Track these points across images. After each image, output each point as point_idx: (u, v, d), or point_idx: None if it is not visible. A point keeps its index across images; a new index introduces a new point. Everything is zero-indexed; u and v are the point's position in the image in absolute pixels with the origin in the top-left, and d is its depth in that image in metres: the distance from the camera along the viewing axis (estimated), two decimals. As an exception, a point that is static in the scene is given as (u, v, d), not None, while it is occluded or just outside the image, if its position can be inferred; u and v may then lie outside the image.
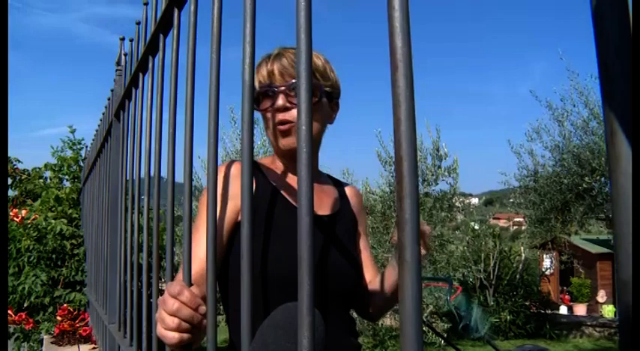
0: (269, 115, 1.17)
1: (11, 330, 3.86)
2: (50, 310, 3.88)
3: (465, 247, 12.36)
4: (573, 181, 8.74)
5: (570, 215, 9.50)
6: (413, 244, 0.36)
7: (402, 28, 0.37)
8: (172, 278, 0.91)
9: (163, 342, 0.82)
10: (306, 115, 0.50)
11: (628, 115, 0.27)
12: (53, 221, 4.17)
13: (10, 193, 5.52)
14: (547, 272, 16.09)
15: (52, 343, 3.53)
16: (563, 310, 14.82)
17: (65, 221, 4.31)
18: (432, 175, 8.96)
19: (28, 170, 5.68)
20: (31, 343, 3.90)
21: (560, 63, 8.93)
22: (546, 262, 16.39)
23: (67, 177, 5.40)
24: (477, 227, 13.85)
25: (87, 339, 3.44)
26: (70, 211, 4.64)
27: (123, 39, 2.08)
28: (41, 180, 5.60)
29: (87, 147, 4.50)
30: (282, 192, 1.16)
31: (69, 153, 5.43)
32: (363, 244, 1.34)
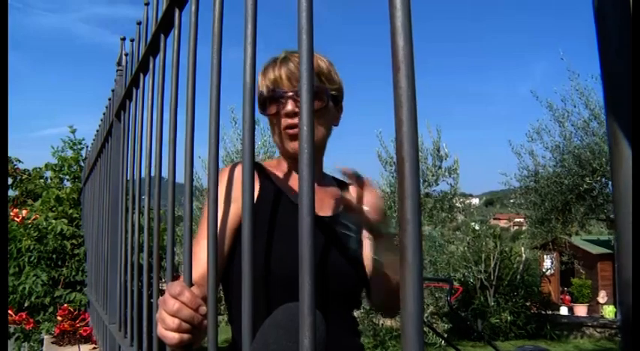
0: (276, 119, 1.17)
1: (12, 330, 3.87)
2: (51, 310, 3.88)
3: (466, 248, 12.35)
4: (574, 182, 8.74)
5: (571, 216, 9.50)
6: (414, 245, 0.36)
7: (403, 28, 0.37)
8: (173, 278, 0.91)
9: (164, 342, 0.82)
10: (307, 116, 0.50)
11: (630, 116, 0.27)
12: (54, 221, 4.17)
13: (11, 193, 5.52)
14: (548, 273, 16.09)
15: (52, 343, 3.54)
16: (563, 310, 14.81)
17: (66, 221, 4.31)
18: (433, 175, 8.96)
19: (28, 170, 5.68)
20: (32, 343, 3.90)
21: (560, 63, 8.94)
22: (547, 263, 16.39)
23: (67, 177, 5.40)
24: (477, 228, 13.83)
25: (87, 339, 3.44)
26: (71, 211, 4.64)
27: (124, 39, 2.08)
28: (42, 180, 5.60)
29: (87, 147, 4.50)
30: (287, 193, 1.17)
31: (69, 153, 5.43)
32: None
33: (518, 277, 12.65)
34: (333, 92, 1.21)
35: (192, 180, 0.86)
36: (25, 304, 3.87)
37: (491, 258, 12.22)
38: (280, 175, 1.22)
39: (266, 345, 0.73)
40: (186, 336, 0.80)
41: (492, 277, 12.10)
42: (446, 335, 8.51)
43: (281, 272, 1.05)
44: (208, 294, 0.74)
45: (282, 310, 0.77)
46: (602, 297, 15.79)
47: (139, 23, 1.51)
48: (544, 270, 15.67)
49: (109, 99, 2.34)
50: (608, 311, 14.47)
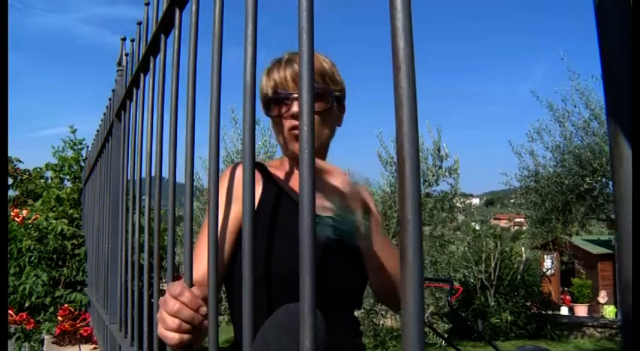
0: (279, 120, 1.18)
1: (12, 330, 3.87)
2: (51, 310, 3.88)
3: (466, 248, 12.36)
4: (574, 182, 8.74)
5: (571, 216, 9.50)
6: (415, 245, 0.36)
7: (404, 29, 0.37)
8: (174, 279, 0.91)
9: (164, 342, 0.82)
10: (308, 117, 0.50)
11: (631, 116, 0.27)
12: (54, 221, 4.17)
13: (11, 193, 5.52)
14: (548, 273, 16.09)
15: (53, 343, 3.54)
16: (564, 310, 14.81)
17: (66, 221, 4.31)
18: (433, 175, 8.96)
19: (29, 170, 5.68)
20: (32, 343, 3.90)
21: (561, 63, 8.95)
22: (547, 263, 16.39)
23: (68, 177, 5.40)
24: (477, 228, 13.84)
25: (88, 339, 3.44)
26: (71, 211, 4.64)
27: (124, 39, 2.08)
28: (42, 180, 5.60)
29: (88, 147, 4.50)
30: (289, 194, 1.17)
31: (70, 153, 5.43)
32: None
33: (519, 277, 12.65)
34: (337, 93, 1.22)
35: (192, 180, 0.86)
36: (26, 304, 3.87)
37: (492, 258, 12.22)
38: (283, 175, 1.23)
39: (267, 345, 0.73)
40: (186, 336, 0.80)
41: (493, 277, 12.10)
42: (446, 335, 8.51)
43: (283, 273, 1.05)
44: (209, 294, 0.74)
45: (283, 310, 0.77)
46: (602, 297, 15.79)
47: (140, 23, 1.51)
48: (544, 270, 15.67)
49: (110, 99, 2.34)
50: (609, 311, 14.47)
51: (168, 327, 0.79)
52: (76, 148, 5.43)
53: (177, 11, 0.97)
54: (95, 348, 3.29)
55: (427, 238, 9.30)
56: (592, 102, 8.59)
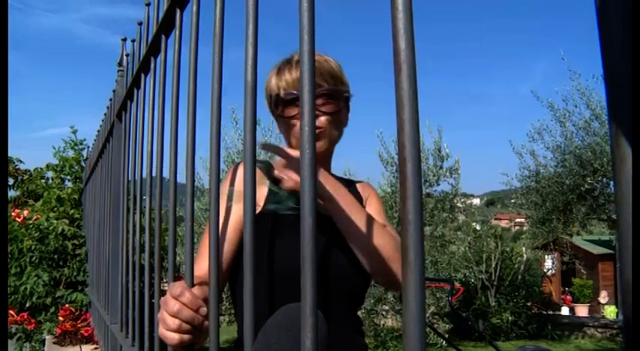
0: (293, 120, 1.18)
1: (13, 330, 3.87)
2: (52, 310, 3.88)
3: (467, 248, 12.35)
4: (575, 182, 8.74)
5: (572, 216, 9.50)
6: (416, 245, 0.36)
7: (405, 30, 0.37)
8: (174, 279, 0.91)
9: (165, 342, 0.82)
10: (309, 117, 0.50)
11: (632, 116, 0.27)
12: (55, 221, 4.17)
13: (12, 193, 5.52)
14: (549, 273, 16.08)
15: (54, 343, 3.54)
16: (564, 310, 14.81)
17: (67, 221, 4.31)
18: (434, 175, 8.96)
19: (29, 170, 5.69)
20: (33, 344, 3.91)
21: (561, 63, 8.95)
22: (548, 263, 16.38)
23: (68, 177, 5.40)
24: (478, 228, 13.83)
25: (89, 339, 3.44)
26: (72, 211, 4.64)
27: (125, 39, 2.08)
28: (43, 180, 5.60)
29: (89, 147, 4.50)
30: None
31: (71, 153, 5.43)
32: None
33: (520, 277, 12.64)
34: (346, 94, 1.22)
35: (193, 180, 0.87)
36: (27, 305, 3.87)
37: (493, 258, 12.22)
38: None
39: (268, 345, 0.73)
40: (186, 336, 0.80)
41: (493, 278, 12.10)
42: (447, 335, 8.51)
43: (288, 272, 1.05)
44: (210, 295, 0.74)
45: (284, 310, 0.77)
46: (603, 297, 15.79)
47: (140, 23, 1.51)
48: (545, 270, 15.66)
49: (110, 99, 2.34)
50: (610, 311, 14.46)
51: (168, 327, 0.79)
52: (76, 148, 5.42)
53: (178, 11, 0.97)
54: (96, 348, 3.29)
55: (428, 238, 9.30)
56: (593, 102, 8.59)
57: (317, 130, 1.18)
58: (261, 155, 8.73)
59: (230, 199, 1.09)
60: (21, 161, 5.70)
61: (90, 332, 3.41)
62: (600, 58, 0.29)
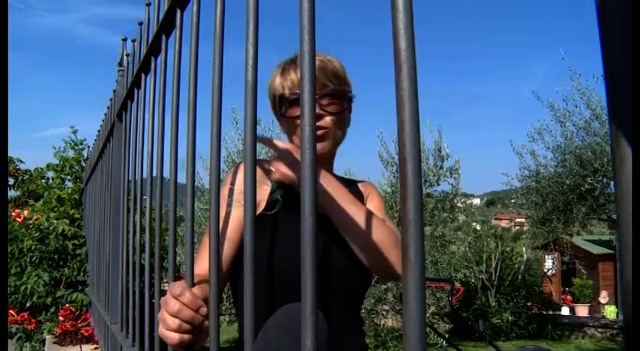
0: (297, 121, 1.18)
1: (14, 330, 3.87)
2: (52, 310, 3.88)
3: (467, 248, 12.35)
4: (575, 182, 8.73)
5: (572, 216, 9.49)
6: (417, 245, 0.36)
7: (406, 30, 0.37)
8: (175, 279, 0.91)
9: (165, 342, 0.82)
10: (309, 117, 0.50)
11: (632, 116, 0.27)
12: (55, 221, 4.17)
13: (13, 193, 5.52)
14: (549, 273, 16.08)
15: (54, 343, 3.54)
16: (565, 311, 14.80)
17: (67, 221, 4.31)
18: (434, 175, 8.95)
19: (30, 170, 5.69)
20: (34, 343, 3.91)
21: (562, 63, 8.95)
22: (548, 263, 16.38)
23: (69, 177, 5.40)
24: (478, 228, 13.83)
25: (89, 339, 3.44)
26: (72, 211, 4.64)
27: (125, 39, 2.08)
28: (43, 180, 5.60)
29: (89, 147, 4.50)
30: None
31: (71, 153, 5.43)
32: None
33: (520, 277, 12.64)
34: (349, 94, 1.22)
35: (193, 180, 0.87)
36: (27, 304, 3.88)
37: (493, 258, 12.22)
38: None
39: (268, 345, 0.73)
40: (186, 336, 0.80)
41: (494, 278, 12.10)
42: (447, 335, 8.51)
43: (290, 271, 1.05)
44: (210, 294, 0.74)
45: (284, 310, 0.77)
46: (603, 297, 15.79)
47: (141, 23, 1.51)
48: (545, 270, 15.66)
49: (111, 99, 2.34)
50: (610, 311, 14.46)
51: (168, 327, 0.79)
52: (77, 148, 5.42)
53: (179, 11, 0.97)
54: (96, 348, 3.29)
55: (428, 238, 9.29)
56: (593, 102, 8.58)
57: (322, 131, 1.17)
58: (262, 155, 8.73)
59: (230, 195, 1.09)
60: (21, 161, 5.70)
61: (90, 332, 3.41)
62: (600, 58, 0.29)
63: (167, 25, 1.09)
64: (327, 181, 1.07)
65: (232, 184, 1.10)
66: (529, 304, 12.29)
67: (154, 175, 1.16)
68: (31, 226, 4.14)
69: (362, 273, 1.19)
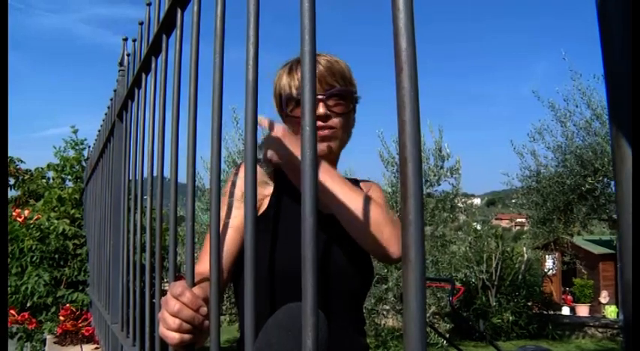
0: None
1: (14, 330, 3.87)
2: (53, 310, 3.89)
3: (468, 248, 12.34)
4: (576, 182, 8.73)
5: (573, 216, 9.49)
6: (417, 245, 0.36)
7: (406, 29, 0.37)
8: (175, 278, 0.91)
9: (166, 342, 0.82)
10: (310, 117, 0.50)
11: (632, 116, 0.27)
12: (56, 221, 4.17)
13: (13, 193, 5.52)
14: (549, 273, 16.07)
15: (54, 342, 3.54)
16: (565, 310, 14.79)
17: (68, 221, 4.31)
18: (435, 175, 8.94)
19: (30, 170, 5.69)
20: (34, 343, 3.91)
21: (562, 63, 8.94)
22: (549, 263, 16.37)
23: (69, 177, 5.40)
24: (479, 228, 13.82)
25: (89, 339, 3.44)
26: (73, 211, 4.64)
27: (126, 39, 2.08)
28: (44, 180, 5.60)
29: (89, 147, 4.50)
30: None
31: (71, 153, 5.43)
32: None
33: (520, 277, 12.64)
34: (356, 95, 1.22)
35: (194, 180, 0.87)
36: (28, 304, 3.88)
37: (493, 258, 12.21)
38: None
39: (269, 345, 0.73)
40: (187, 336, 0.80)
41: (494, 277, 12.09)
42: (448, 335, 8.50)
43: (287, 272, 1.05)
44: (211, 295, 0.74)
45: (285, 310, 0.77)
46: (604, 297, 15.78)
47: (141, 23, 1.52)
48: (546, 270, 15.65)
49: (111, 99, 2.34)
50: (610, 311, 14.45)
51: (169, 327, 0.80)
52: (77, 148, 5.43)
53: (179, 11, 0.97)
54: (97, 348, 3.29)
55: (429, 238, 9.29)
56: (594, 102, 8.57)
57: (330, 131, 1.17)
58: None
59: (232, 195, 1.09)
60: (22, 161, 5.70)
61: (91, 332, 3.41)
62: (601, 58, 0.29)
63: (168, 25, 1.09)
64: (320, 164, 1.06)
65: (234, 184, 1.10)
66: (529, 303, 12.29)
67: (155, 174, 1.16)
68: (32, 225, 4.14)
69: (363, 273, 1.19)
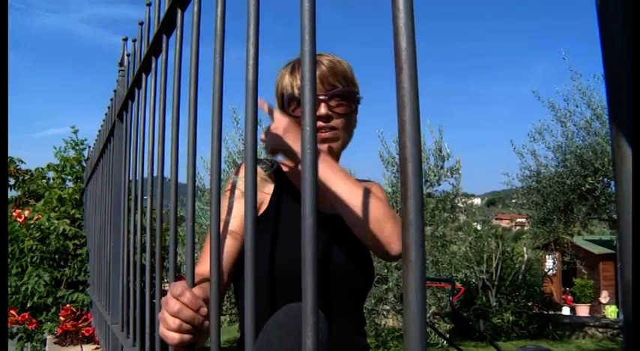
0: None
1: (14, 330, 3.87)
2: (53, 310, 3.88)
3: (468, 248, 12.33)
4: (576, 182, 8.73)
5: (573, 216, 9.49)
6: (417, 245, 0.36)
7: (406, 29, 0.37)
8: (176, 279, 0.91)
9: (166, 343, 0.82)
10: (310, 117, 0.50)
11: (632, 116, 0.27)
12: (56, 221, 4.17)
13: (13, 193, 5.52)
14: (550, 273, 16.06)
15: (55, 343, 3.54)
16: (565, 310, 14.79)
17: (68, 221, 4.31)
18: (435, 175, 8.94)
19: (30, 171, 5.69)
20: (34, 343, 3.91)
21: (562, 63, 8.94)
22: (549, 263, 16.37)
23: (69, 177, 5.40)
24: (479, 228, 13.82)
25: (90, 339, 3.44)
26: (73, 211, 4.64)
27: (126, 39, 2.08)
28: (44, 180, 5.60)
29: (90, 147, 4.50)
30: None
31: (72, 153, 5.43)
32: None
33: (520, 277, 12.64)
34: (357, 96, 1.22)
35: (194, 180, 0.87)
36: (28, 305, 3.88)
37: (494, 258, 12.21)
38: (299, 173, 1.22)
39: (269, 345, 0.73)
40: (187, 336, 0.80)
41: (494, 278, 12.09)
42: (448, 335, 8.50)
43: (287, 272, 1.05)
44: (211, 294, 0.74)
45: (285, 310, 0.77)
46: (604, 297, 15.78)
47: (141, 23, 1.52)
48: (546, 270, 15.65)
49: (111, 99, 2.34)
50: (610, 311, 14.45)
51: (169, 327, 0.80)
52: (77, 148, 5.43)
53: (179, 11, 0.97)
54: (97, 348, 3.29)
55: (429, 238, 9.29)
56: (594, 102, 8.57)
57: (331, 132, 1.17)
58: (262, 155, 8.71)
59: (232, 194, 1.09)
60: (22, 161, 5.70)
61: (91, 332, 3.41)
62: (601, 59, 0.29)
63: (168, 25, 1.09)
64: (322, 158, 1.05)
65: (234, 184, 1.10)
66: (530, 304, 12.28)
67: (155, 175, 1.16)
68: (32, 226, 4.14)
69: (363, 273, 1.19)
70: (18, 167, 5.62)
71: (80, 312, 3.67)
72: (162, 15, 1.11)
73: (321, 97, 1.14)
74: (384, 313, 9.18)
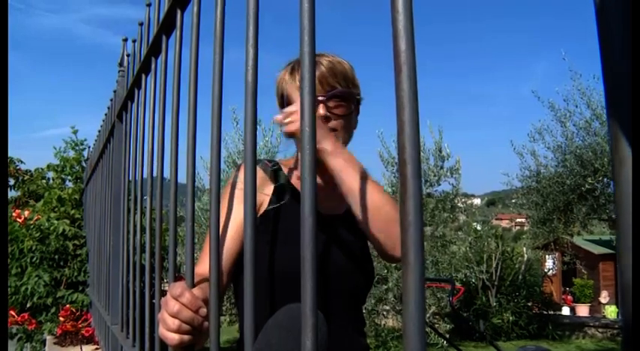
0: None
1: (14, 330, 3.87)
2: (53, 310, 3.88)
3: (468, 248, 12.34)
4: (576, 182, 8.72)
5: (573, 216, 9.48)
6: (416, 245, 0.36)
7: (405, 31, 0.37)
8: (175, 279, 0.91)
9: (165, 343, 0.82)
10: (309, 118, 0.50)
11: (632, 116, 0.27)
12: (56, 222, 4.17)
13: (13, 193, 5.53)
14: (549, 273, 16.07)
15: (54, 343, 3.54)
16: (565, 311, 14.79)
17: (68, 222, 4.31)
18: (435, 175, 8.95)
19: (30, 171, 5.69)
20: (34, 344, 3.91)
21: (562, 63, 8.93)
22: (549, 263, 16.37)
23: (69, 177, 5.40)
24: (479, 228, 13.82)
25: (89, 340, 3.44)
26: (73, 211, 4.64)
27: (126, 40, 2.08)
28: (44, 180, 5.60)
29: (89, 147, 4.50)
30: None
31: (71, 153, 5.43)
32: None
33: (520, 277, 12.64)
34: (358, 97, 1.22)
35: (194, 180, 0.87)
36: (28, 305, 3.88)
37: (493, 258, 12.21)
38: (298, 174, 1.22)
39: (269, 345, 0.73)
40: (186, 337, 0.80)
41: (494, 278, 12.09)
42: (448, 336, 8.50)
43: (287, 272, 1.05)
44: (211, 295, 0.74)
45: (285, 310, 0.77)
46: (604, 297, 15.78)
47: (141, 24, 1.52)
48: (546, 270, 15.65)
49: (111, 100, 2.34)
50: (610, 311, 14.45)
51: (168, 328, 0.80)
52: (77, 148, 5.43)
53: (179, 12, 0.97)
54: (97, 348, 3.29)
55: (428, 238, 9.29)
56: (593, 102, 8.57)
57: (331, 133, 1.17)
58: (262, 155, 8.72)
59: (232, 194, 1.09)
60: (22, 162, 5.71)
61: (90, 333, 3.41)
62: (600, 59, 0.29)
63: (167, 26, 1.09)
64: (340, 151, 1.05)
65: (234, 185, 1.10)
66: (530, 304, 12.28)
67: (155, 175, 1.16)
68: (32, 226, 4.14)
69: (363, 273, 1.19)
70: (18, 167, 5.62)
71: (80, 312, 3.67)
72: (161, 15, 1.11)
73: (320, 98, 1.14)
74: (384, 313, 9.19)
